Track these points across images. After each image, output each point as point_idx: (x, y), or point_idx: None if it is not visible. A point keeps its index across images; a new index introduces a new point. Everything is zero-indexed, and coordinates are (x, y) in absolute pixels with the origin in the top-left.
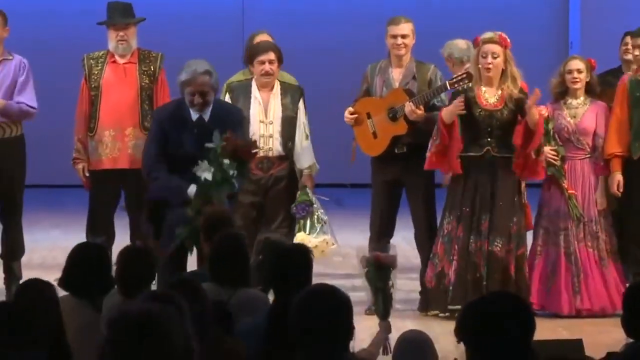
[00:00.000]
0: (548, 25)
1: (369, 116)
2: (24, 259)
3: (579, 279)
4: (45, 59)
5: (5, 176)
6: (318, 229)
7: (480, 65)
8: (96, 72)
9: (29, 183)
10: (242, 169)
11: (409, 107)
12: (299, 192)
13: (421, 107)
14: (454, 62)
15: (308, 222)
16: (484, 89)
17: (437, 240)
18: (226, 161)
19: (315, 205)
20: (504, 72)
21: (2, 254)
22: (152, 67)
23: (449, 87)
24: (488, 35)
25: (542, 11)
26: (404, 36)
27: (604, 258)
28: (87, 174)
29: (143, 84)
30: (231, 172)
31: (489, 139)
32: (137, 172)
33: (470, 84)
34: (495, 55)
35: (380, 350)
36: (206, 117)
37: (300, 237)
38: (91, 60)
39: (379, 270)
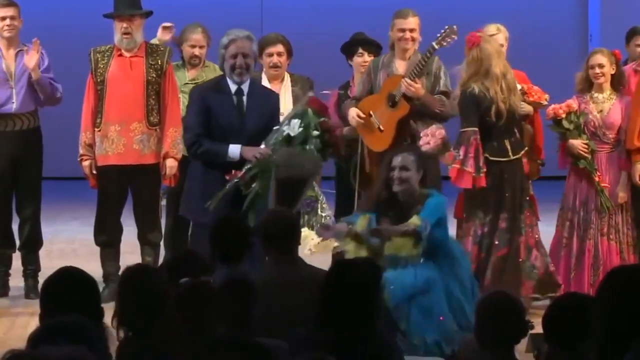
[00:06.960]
0: (567, 19)
1: (371, 115)
2: (42, 251)
3: (598, 272)
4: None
5: (23, 168)
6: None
7: None
8: (102, 66)
9: (50, 175)
10: (325, 148)
11: (404, 83)
12: None
13: (417, 80)
14: None
15: (313, 219)
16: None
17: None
18: (316, 132)
19: (320, 200)
20: None
21: (19, 246)
22: (159, 60)
23: (436, 47)
24: (490, 28)
25: (561, 3)
26: (412, 30)
27: (623, 251)
28: (95, 172)
29: (150, 77)
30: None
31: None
32: (144, 168)
33: (455, 37)
34: None
35: None
36: (245, 89)
37: (304, 234)
38: (97, 54)
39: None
